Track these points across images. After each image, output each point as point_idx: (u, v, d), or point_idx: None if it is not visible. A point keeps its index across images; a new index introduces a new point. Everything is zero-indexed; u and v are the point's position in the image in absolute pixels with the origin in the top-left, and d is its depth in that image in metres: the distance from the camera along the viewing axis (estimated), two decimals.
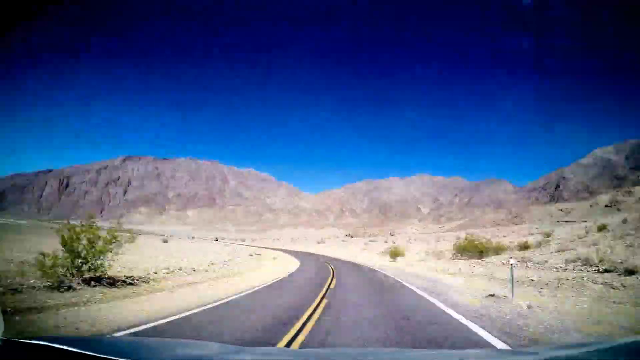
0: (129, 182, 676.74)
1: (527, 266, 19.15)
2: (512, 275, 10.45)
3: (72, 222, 12.89)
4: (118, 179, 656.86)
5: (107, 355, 1.75)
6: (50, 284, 9.12)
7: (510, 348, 4.70)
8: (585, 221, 48.15)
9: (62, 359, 1.77)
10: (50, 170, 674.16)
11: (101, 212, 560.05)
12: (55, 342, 1.88)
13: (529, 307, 8.42)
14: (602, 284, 11.76)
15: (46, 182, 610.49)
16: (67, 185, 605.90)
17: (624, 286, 11.02)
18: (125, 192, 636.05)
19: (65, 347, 1.80)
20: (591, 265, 15.35)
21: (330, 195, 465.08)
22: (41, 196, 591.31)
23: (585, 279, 12.86)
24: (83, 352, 1.77)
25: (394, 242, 64.36)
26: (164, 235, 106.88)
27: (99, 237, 10.34)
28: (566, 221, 66.11)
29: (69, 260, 9.68)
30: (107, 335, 3.40)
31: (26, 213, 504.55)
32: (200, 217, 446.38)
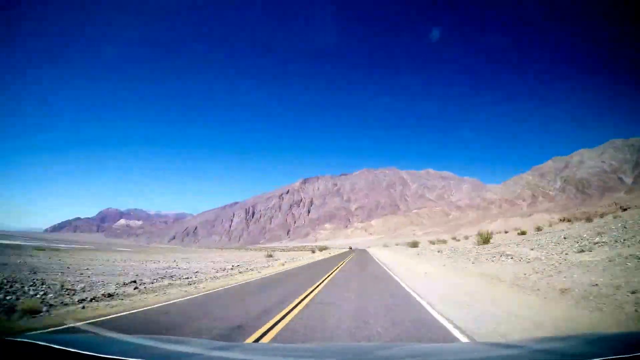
0: (311, 202, 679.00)
1: None
2: None
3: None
4: (300, 201, 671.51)
5: (94, 352, 1.75)
6: None
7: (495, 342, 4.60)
8: None
9: (44, 356, 1.77)
10: (236, 203, 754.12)
11: (287, 233, 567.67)
12: (37, 339, 1.88)
13: None
14: None
15: (234, 214, 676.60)
16: (253, 214, 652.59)
17: None
18: (308, 211, 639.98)
19: (52, 346, 1.79)
20: None
21: (517, 181, 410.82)
22: (230, 226, 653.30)
23: None
24: (71, 350, 1.76)
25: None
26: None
27: None
28: None
29: None
30: (95, 334, 3.34)
31: (218, 243, 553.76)
32: (385, 225, 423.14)
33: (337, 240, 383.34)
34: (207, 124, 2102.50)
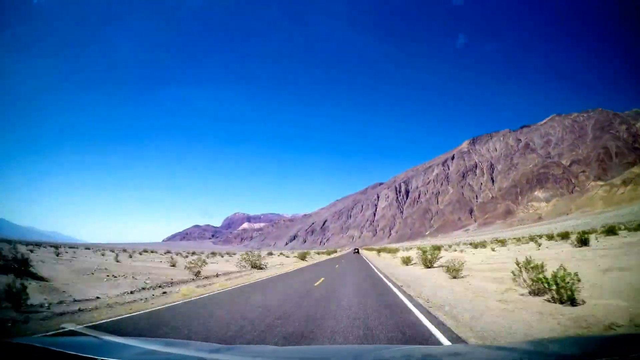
0: (491, 167, 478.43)
1: None
2: None
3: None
4: (475, 167, 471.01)
5: (91, 355, 1.77)
6: None
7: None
8: None
9: (40, 358, 1.78)
10: (380, 184, 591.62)
11: (470, 213, 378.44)
12: (34, 342, 1.91)
13: None
14: None
15: (377, 196, 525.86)
16: (407, 192, 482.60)
17: None
18: (492, 179, 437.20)
19: (44, 347, 1.81)
20: None
21: None
22: (374, 214, 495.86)
23: None
24: (70, 352, 1.77)
25: None
26: None
27: None
28: None
29: None
30: (94, 337, 3.19)
31: (357, 240, 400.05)
32: None
33: (570, 220, 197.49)
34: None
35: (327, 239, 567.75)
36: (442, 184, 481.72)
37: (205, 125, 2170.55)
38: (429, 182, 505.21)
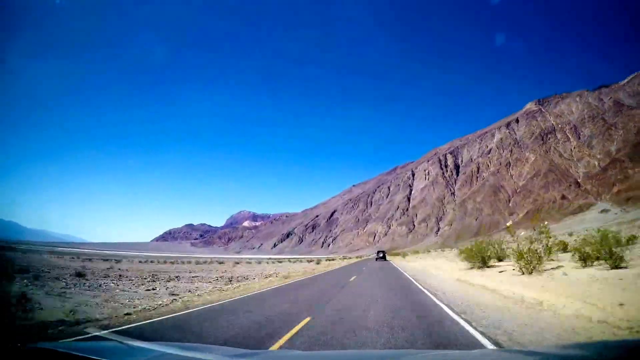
0: (575, 130, 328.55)
1: None
2: None
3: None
4: (552, 130, 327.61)
5: (104, 358, 1.77)
6: None
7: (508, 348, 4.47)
8: None
9: None
10: (408, 163, 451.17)
11: (562, 200, 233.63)
12: (57, 347, 1.89)
13: None
14: None
15: (412, 175, 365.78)
16: (457, 168, 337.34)
17: None
18: (588, 145, 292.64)
19: (67, 351, 1.80)
20: None
21: None
22: (409, 198, 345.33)
23: None
24: (83, 355, 1.77)
25: None
26: None
27: None
28: None
29: None
30: (117, 342, 3.37)
31: (378, 241, 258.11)
32: None
33: None
34: None
35: (334, 238, 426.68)
36: (511, 152, 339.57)
37: (214, 124, 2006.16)
38: (489, 150, 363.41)
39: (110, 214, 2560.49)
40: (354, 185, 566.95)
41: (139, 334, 6.00)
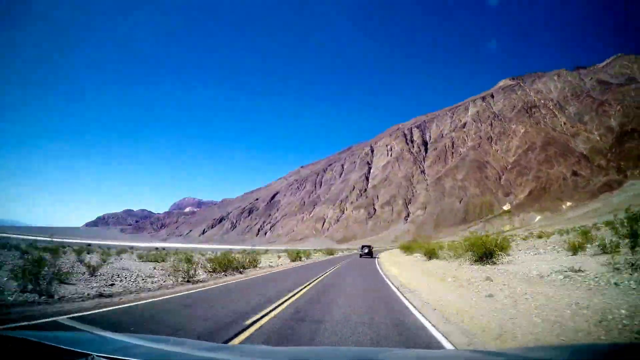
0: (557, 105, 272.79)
1: None
2: None
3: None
4: (533, 106, 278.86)
5: (81, 349, 1.73)
6: None
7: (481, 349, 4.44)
8: None
9: (36, 352, 1.74)
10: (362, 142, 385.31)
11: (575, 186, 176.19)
12: (32, 336, 1.84)
13: None
14: None
15: (371, 150, 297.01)
16: (425, 142, 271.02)
17: None
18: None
19: (40, 341, 1.76)
20: None
21: None
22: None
23: None
24: (58, 345, 1.74)
25: None
26: None
27: None
28: None
29: None
30: (80, 330, 3.30)
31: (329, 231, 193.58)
32: None
33: None
34: None
35: (273, 224, 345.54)
36: (491, 125, 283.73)
37: (161, 111, 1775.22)
38: (463, 124, 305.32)
39: (45, 195, 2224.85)
40: (302, 167, 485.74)
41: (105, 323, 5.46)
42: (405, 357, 2.78)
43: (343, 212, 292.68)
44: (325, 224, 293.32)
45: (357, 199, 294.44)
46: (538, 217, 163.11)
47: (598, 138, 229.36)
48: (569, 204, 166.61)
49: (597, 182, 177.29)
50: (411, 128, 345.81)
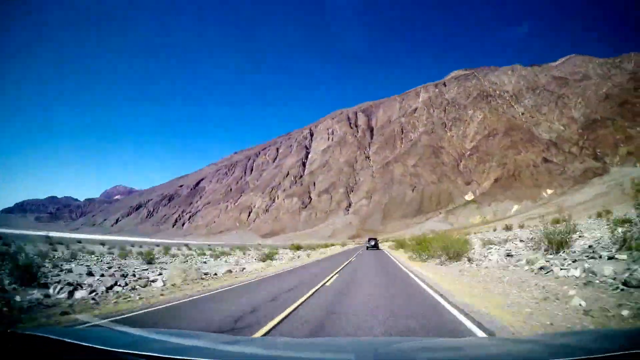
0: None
1: None
2: None
3: None
4: (488, 95, 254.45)
5: (105, 346, 1.74)
6: None
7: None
8: None
9: (57, 349, 1.75)
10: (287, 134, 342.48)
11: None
12: (50, 333, 1.85)
13: None
14: None
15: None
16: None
17: None
18: None
19: (60, 338, 1.78)
20: None
21: None
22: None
23: None
24: (77, 342, 1.74)
25: None
26: None
27: None
28: None
29: None
30: (100, 326, 3.26)
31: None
32: None
33: None
34: None
35: (193, 213, 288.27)
36: (445, 111, 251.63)
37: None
38: (414, 109, 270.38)
39: None
40: (235, 152, 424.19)
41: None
42: (432, 345, 2.78)
43: (274, 201, 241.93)
44: (251, 214, 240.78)
45: (290, 187, 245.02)
46: (515, 207, 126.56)
47: (562, 127, 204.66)
48: (549, 191, 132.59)
49: (574, 168, 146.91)
50: (356, 112, 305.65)
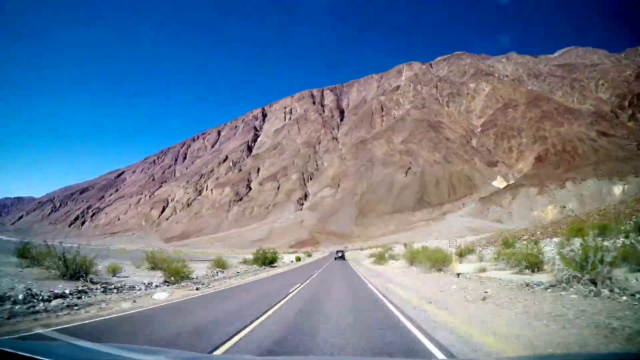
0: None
1: None
2: None
3: None
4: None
5: (51, 359, 1.65)
6: None
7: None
8: None
9: None
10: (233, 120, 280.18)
11: None
12: (8, 347, 1.75)
13: None
14: None
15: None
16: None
17: None
18: None
19: (8, 350, 1.67)
20: None
21: None
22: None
23: None
24: (39, 358, 1.64)
25: None
26: None
27: None
28: None
29: None
30: (63, 342, 3.31)
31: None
32: None
33: None
34: None
35: (99, 211, 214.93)
36: (436, 87, 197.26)
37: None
38: (397, 87, 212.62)
39: None
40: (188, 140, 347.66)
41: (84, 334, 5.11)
42: None
43: (200, 193, 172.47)
44: (166, 210, 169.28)
45: (225, 173, 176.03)
46: (617, 188, 66.93)
47: (590, 107, 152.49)
48: None
49: None
50: (322, 90, 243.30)
